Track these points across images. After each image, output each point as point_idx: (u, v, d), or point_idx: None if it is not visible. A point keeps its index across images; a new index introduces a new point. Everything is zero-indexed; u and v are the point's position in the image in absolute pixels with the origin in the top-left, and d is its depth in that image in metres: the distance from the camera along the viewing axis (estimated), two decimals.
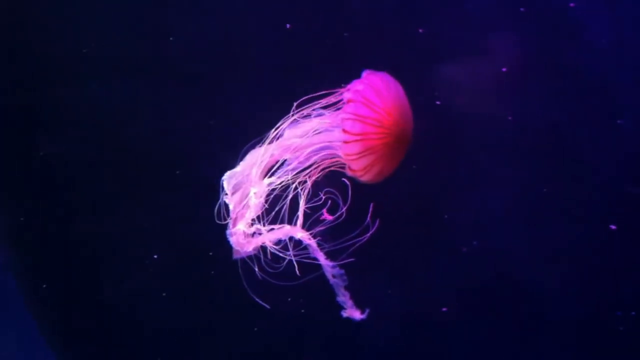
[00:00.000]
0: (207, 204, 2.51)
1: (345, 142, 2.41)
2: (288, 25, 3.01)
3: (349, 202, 2.47)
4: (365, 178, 2.48)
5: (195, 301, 3.32)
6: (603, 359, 3.08)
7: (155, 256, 3.25)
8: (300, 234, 2.42)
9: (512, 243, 3.05)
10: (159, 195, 3.26)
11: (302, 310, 3.17)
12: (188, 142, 3.19)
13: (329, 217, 2.48)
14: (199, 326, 3.34)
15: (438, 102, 3.02)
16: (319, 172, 2.50)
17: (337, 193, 2.48)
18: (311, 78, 2.68)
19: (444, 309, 3.10)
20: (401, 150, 2.43)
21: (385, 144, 2.38)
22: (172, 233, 3.27)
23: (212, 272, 3.23)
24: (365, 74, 2.43)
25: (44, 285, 3.42)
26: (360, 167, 2.45)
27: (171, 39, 3.14)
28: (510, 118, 3.00)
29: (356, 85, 2.40)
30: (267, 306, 2.58)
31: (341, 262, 2.45)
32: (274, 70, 3.09)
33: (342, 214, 2.46)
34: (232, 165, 2.49)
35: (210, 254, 3.17)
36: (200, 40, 3.15)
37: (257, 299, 2.54)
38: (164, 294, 3.31)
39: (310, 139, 2.47)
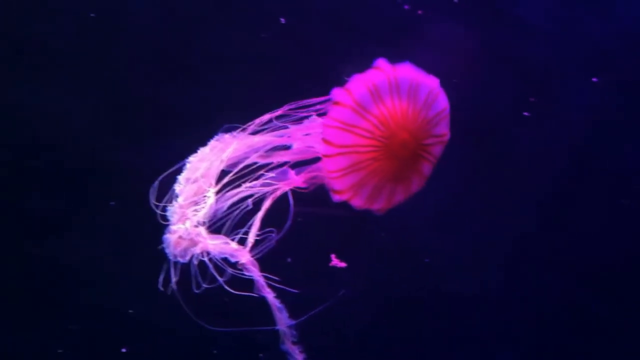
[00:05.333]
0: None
1: (326, 155, 1.92)
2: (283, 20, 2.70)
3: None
4: (354, 202, 2.00)
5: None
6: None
7: None
8: (245, 258, 1.92)
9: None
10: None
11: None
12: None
13: (341, 264, 2.23)
14: None
15: None
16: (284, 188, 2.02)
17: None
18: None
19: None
20: (408, 168, 1.95)
21: (374, 159, 1.90)
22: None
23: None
24: (372, 67, 1.96)
25: None
26: (343, 188, 1.95)
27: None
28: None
29: (348, 85, 1.92)
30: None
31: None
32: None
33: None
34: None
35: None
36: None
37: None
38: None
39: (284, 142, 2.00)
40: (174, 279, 1.97)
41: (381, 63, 1.95)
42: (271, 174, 1.99)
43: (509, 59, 2.88)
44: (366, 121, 1.90)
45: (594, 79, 2.85)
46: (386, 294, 2.85)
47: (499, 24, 2.85)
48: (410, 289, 2.88)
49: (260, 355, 2.70)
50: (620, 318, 2.98)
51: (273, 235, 2.00)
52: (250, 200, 1.98)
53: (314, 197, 2.02)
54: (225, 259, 2.00)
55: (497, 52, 2.86)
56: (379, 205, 2.03)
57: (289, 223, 1.97)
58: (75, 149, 2.73)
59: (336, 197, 2.01)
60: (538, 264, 2.98)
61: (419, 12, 2.66)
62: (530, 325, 3.00)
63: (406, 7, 2.69)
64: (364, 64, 2.01)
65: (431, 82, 1.98)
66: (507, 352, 3.02)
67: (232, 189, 2.02)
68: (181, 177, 2.05)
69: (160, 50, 2.74)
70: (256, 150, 2.02)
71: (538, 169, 2.94)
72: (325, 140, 1.92)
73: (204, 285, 1.96)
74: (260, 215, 1.99)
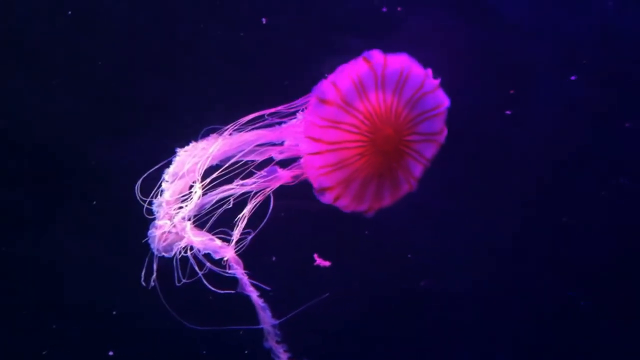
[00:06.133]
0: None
1: (314, 152, 1.91)
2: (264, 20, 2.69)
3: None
4: (342, 202, 1.97)
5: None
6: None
7: None
8: (230, 255, 1.91)
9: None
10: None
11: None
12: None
13: (325, 263, 2.22)
14: None
15: None
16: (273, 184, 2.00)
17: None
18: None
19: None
20: (393, 163, 1.92)
21: (361, 154, 1.88)
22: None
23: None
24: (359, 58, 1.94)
25: None
26: (330, 185, 1.93)
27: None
28: None
29: (332, 77, 1.90)
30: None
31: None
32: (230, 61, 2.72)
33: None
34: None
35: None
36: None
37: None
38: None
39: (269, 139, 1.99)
40: (154, 275, 1.97)
41: (374, 54, 1.92)
42: (260, 172, 1.98)
43: (506, 59, 2.85)
44: (351, 116, 1.88)
45: (572, 77, 2.82)
46: (379, 294, 2.83)
47: (493, 23, 2.82)
48: (404, 288, 2.87)
49: (246, 352, 2.69)
50: (620, 318, 2.96)
51: (256, 232, 1.99)
52: (232, 198, 1.97)
53: (301, 194, 2.01)
54: (209, 256, 1.99)
55: (492, 52, 2.83)
56: (366, 205, 2.00)
57: (265, 220, 1.96)
58: (66, 147, 2.73)
59: (324, 198, 1.99)
60: (537, 264, 2.96)
61: (399, 9, 2.64)
62: (530, 325, 2.98)
63: (399, 9, 2.68)
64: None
65: (424, 79, 1.94)
66: (507, 352, 3.01)
67: (218, 185, 2.02)
68: (168, 173, 2.05)
69: (151, 50, 2.74)
70: (244, 148, 2.02)
71: (536, 167, 2.92)
72: (312, 137, 1.90)
73: (184, 280, 1.95)
74: (246, 212, 1.98)
